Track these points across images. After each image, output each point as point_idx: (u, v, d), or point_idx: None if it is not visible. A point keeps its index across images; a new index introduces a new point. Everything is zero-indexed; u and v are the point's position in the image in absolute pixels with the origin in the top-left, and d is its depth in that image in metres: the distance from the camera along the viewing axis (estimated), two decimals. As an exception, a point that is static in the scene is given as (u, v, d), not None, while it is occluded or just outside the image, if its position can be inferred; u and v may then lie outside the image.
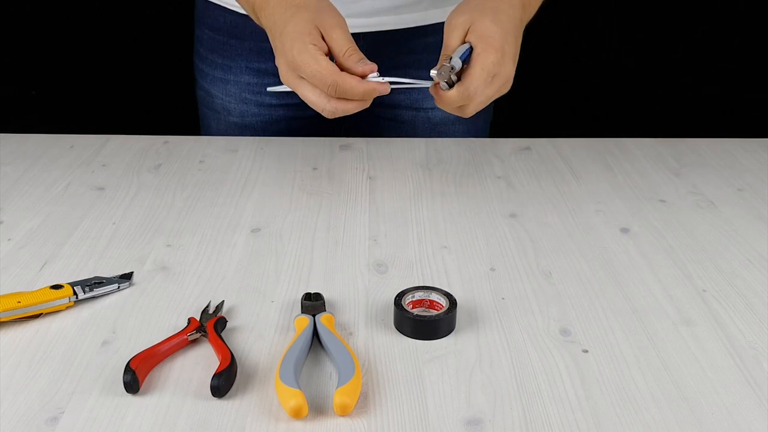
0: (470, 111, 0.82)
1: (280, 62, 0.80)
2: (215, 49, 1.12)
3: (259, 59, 1.09)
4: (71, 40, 1.88)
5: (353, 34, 1.07)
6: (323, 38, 0.79)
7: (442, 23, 1.09)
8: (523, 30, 0.86)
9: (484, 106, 0.83)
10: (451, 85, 0.81)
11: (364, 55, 1.09)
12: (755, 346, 0.68)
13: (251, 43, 1.09)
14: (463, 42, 0.81)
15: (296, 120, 1.14)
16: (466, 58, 0.81)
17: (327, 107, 0.78)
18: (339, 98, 0.78)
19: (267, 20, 0.84)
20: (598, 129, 1.22)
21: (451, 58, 0.80)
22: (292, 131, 1.14)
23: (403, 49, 1.10)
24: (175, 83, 1.72)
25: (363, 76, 0.79)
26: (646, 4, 1.88)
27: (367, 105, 0.80)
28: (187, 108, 1.40)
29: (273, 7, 0.82)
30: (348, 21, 1.05)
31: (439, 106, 0.83)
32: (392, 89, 1.10)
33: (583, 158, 1.06)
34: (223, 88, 1.13)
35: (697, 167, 1.04)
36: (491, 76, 0.79)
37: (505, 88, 0.82)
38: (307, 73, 0.77)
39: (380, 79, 0.79)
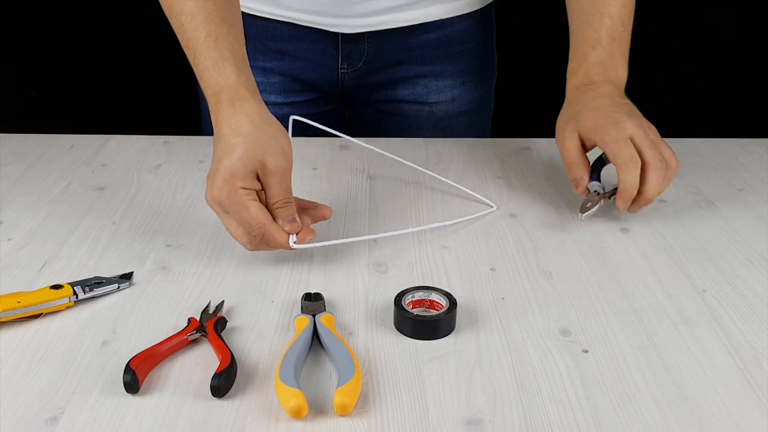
0: (667, 153, 0.85)
1: (209, 188, 0.75)
2: None
3: (263, 58, 1.09)
4: (71, 40, 1.88)
5: (356, 35, 1.08)
6: (259, 178, 0.75)
7: (444, 19, 1.10)
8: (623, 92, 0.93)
9: (664, 146, 0.85)
10: (601, 196, 0.86)
11: (368, 53, 1.09)
12: (755, 346, 0.68)
13: (255, 42, 1.09)
14: (583, 149, 0.87)
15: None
16: (599, 169, 0.88)
17: (249, 247, 0.76)
18: (261, 241, 0.76)
19: (215, 126, 0.78)
20: (598, 129, 1.22)
21: (588, 190, 0.87)
22: (296, 129, 1.14)
23: (406, 46, 1.10)
24: (175, 83, 1.72)
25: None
26: (646, 4, 1.88)
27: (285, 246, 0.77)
28: (187, 108, 1.40)
29: (218, 126, 0.77)
30: (351, 21, 1.06)
31: (632, 209, 0.86)
32: (399, 84, 1.11)
33: (583, 158, 1.05)
34: None
35: (697, 167, 1.04)
36: (627, 136, 0.83)
37: (638, 124, 0.85)
38: (236, 218, 0.74)
39: (301, 246, 0.76)
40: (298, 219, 0.76)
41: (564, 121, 0.90)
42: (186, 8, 0.80)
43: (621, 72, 0.94)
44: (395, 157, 0.97)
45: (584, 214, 0.85)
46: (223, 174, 0.74)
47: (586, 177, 0.87)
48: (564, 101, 0.93)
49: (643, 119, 0.87)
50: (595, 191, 0.87)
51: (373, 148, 0.98)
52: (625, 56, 0.95)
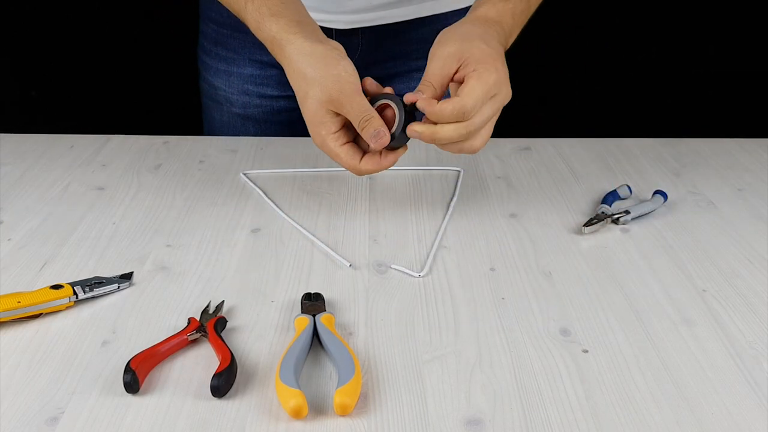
0: (477, 143, 0.80)
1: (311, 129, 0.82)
2: (219, 42, 1.13)
3: (261, 52, 1.09)
4: (71, 40, 1.88)
5: (349, 30, 1.08)
6: (337, 112, 0.80)
7: (440, 14, 1.10)
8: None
9: (486, 133, 0.80)
10: None
11: (363, 48, 1.09)
12: (755, 346, 0.68)
13: (252, 36, 1.09)
14: (454, 73, 0.79)
15: (298, 111, 1.14)
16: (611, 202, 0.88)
17: (357, 173, 0.83)
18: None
19: (289, 72, 0.83)
20: (598, 129, 1.22)
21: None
22: (293, 122, 1.14)
23: (401, 41, 1.11)
24: (175, 83, 1.72)
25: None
26: (646, 4, 1.88)
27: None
28: (187, 108, 1.40)
29: (290, 71, 0.82)
30: (344, 17, 1.06)
31: (430, 137, 0.79)
32: (394, 78, 1.11)
33: (583, 158, 1.06)
34: (227, 80, 1.14)
35: (697, 167, 1.04)
36: (490, 95, 0.78)
37: (500, 107, 0.80)
38: (332, 158, 0.82)
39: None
40: (383, 129, 0.79)
41: (448, 39, 0.82)
42: None
43: (516, 35, 0.89)
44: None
45: (587, 228, 0.85)
46: (307, 120, 0.81)
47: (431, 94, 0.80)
48: (462, 19, 0.87)
49: (509, 89, 0.81)
50: (603, 212, 0.88)
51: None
52: (524, 24, 0.90)
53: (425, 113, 0.78)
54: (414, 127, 0.79)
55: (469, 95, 0.76)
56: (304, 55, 0.80)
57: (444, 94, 0.81)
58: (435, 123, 0.78)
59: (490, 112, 0.79)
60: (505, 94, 0.80)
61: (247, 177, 0.97)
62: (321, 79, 0.79)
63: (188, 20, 1.22)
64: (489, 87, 0.77)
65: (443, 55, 0.80)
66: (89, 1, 1.85)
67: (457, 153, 0.83)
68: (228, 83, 1.14)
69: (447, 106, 0.77)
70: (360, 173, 0.82)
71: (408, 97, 0.79)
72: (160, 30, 1.83)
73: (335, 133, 0.80)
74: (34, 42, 1.90)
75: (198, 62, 1.19)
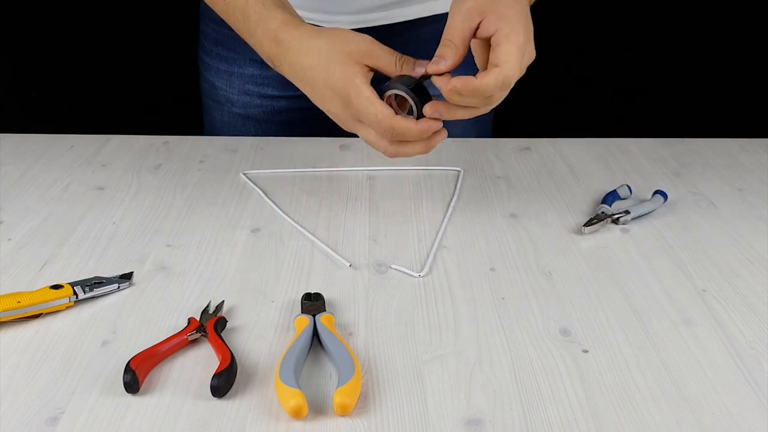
0: (498, 98, 0.76)
1: (334, 104, 0.80)
2: (220, 42, 1.13)
3: None
4: (71, 40, 1.88)
5: (355, 30, 1.08)
6: (367, 65, 0.79)
7: (442, 14, 1.09)
8: None
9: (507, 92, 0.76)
10: None
11: None
12: (755, 346, 0.68)
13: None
14: (477, 28, 0.73)
15: (298, 111, 1.14)
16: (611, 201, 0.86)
17: (389, 149, 0.79)
18: (399, 141, 0.78)
19: (294, 66, 0.82)
20: (598, 129, 1.22)
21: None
22: (293, 122, 1.14)
23: (402, 41, 1.10)
24: (176, 83, 1.72)
25: (428, 75, 0.77)
26: (646, 4, 1.88)
27: (429, 149, 0.79)
28: (187, 108, 1.40)
29: (300, 53, 0.81)
30: (350, 17, 1.06)
31: (466, 98, 0.74)
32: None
33: (583, 158, 1.06)
34: (227, 80, 1.14)
35: (697, 167, 1.04)
36: (522, 58, 0.73)
37: (523, 73, 0.75)
38: (366, 119, 0.78)
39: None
40: (422, 62, 0.78)
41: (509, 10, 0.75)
42: None
43: None
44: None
45: (587, 228, 0.85)
46: (341, 78, 0.77)
47: (451, 60, 0.76)
48: None
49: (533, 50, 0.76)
50: (603, 212, 0.88)
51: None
52: None
53: (461, 93, 0.73)
54: (455, 113, 0.76)
55: (508, 63, 0.71)
56: (317, 31, 0.81)
57: (466, 52, 0.76)
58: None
59: (518, 74, 0.74)
60: (531, 53, 0.75)
61: (247, 177, 0.97)
62: (342, 37, 0.79)
63: (189, 20, 1.22)
64: (521, 48, 0.72)
65: (464, 8, 0.74)
66: (89, 1, 1.85)
67: (474, 108, 0.77)
68: (228, 83, 1.14)
69: (490, 81, 0.71)
70: (393, 134, 0.76)
71: (431, 68, 0.75)
72: (161, 30, 1.83)
73: (368, 82, 0.77)
74: (34, 42, 1.90)
75: (198, 62, 1.19)
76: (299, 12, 1.07)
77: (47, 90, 1.96)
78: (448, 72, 0.75)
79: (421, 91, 0.78)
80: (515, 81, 0.73)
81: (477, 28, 0.74)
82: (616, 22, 1.90)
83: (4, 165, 1.01)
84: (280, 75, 1.12)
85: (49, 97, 1.96)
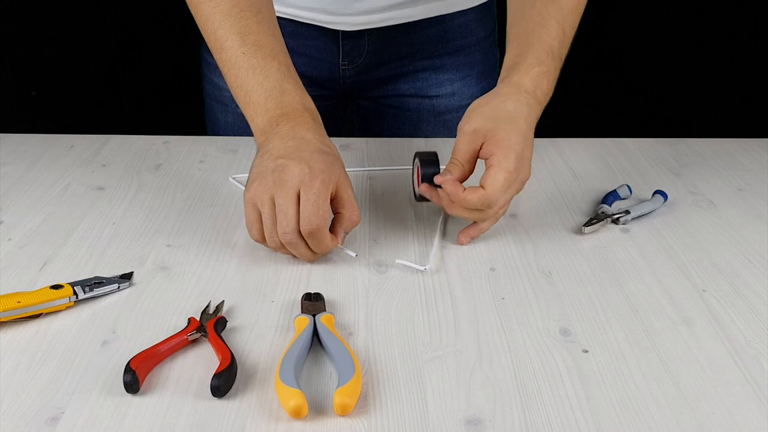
0: (488, 224, 0.83)
1: (293, 165, 0.75)
2: None
3: None
4: (71, 40, 1.88)
5: (356, 32, 1.08)
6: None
7: (446, 15, 1.10)
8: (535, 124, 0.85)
9: (502, 212, 0.83)
10: None
11: (369, 49, 1.09)
12: (755, 346, 0.68)
13: None
14: (480, 149, 0.80)
15: None
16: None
17: (292, 237, 0.76)
18: (297, 242, 0.76)
19: (293, 132, 0.80)
20: (598, 129, 1.22)
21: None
22: None
23: (407, 42, 1.11)
24: (176, 83, 1.72)
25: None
26: (646, 4, 1.88)
27: (311, 259, 0.79)
28: (187, 108, 1.40)
29: (306, 130, 0.80)
30: (351, 19, 1.06)
31: (452, 210, 0.81)
32: (400, 78, 1.10)
33: (583, 158, 1.06)
34: None
35: (697, 167, 1.04)
36: (511, 180, 0.79)
37: (520, 189, 0.82)
38: (309, 198, 0.74)
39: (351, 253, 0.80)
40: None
41: (477, 116, 0.82)
42: (249, 40, 0.83)
43: (551, 87, 0.88)
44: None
45: (587, 228, 0.85)
46: (325, 162, 0.76)
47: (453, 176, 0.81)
48: (496, 86, 0.86)
49: (530, 169, 0.82)
50: (603, 212, 0.88)
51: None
52: (557, 72, 0.89)
53: (450, 197, 0.80)
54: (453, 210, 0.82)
55: (492, 187, 0.78)
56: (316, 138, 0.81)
57: (472, 170, 0.82)
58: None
59: (508, 197, 0.81)
60: (524, 175, 0.81)
61: (236, 180, 0.97)
62: (337, 164, 0.79)
63: (191, 20, 1.22)
64: (510, 173, 0.78)
65: (469, 131, 0.81)
66: (90, 1, 1.85)
67: (466, 218, 0.83)
68: None
69: (473, 198, 0.79)
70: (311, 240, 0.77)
71: (438, 179, 0.81)
72: (161, 30, 1.83)
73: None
74: (34, 42, 1.90)
75: (202, 63, 1.19)
76: (303, 12, 1.07)
77: (47, 90, 1.96)
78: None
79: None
80: (500, 201, 0.80)
81: (480, 148, 0.81)
82: (616, 22, 1.90)
83: (4, 165, 1.01)
84: None
85: (49, 97, 1.96)
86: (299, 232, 0.75)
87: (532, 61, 0.85)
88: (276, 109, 0.81)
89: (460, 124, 0.83)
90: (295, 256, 0.79)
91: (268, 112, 0.81)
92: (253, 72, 0.82)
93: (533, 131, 0.83)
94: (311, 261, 0.79)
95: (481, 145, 0.80)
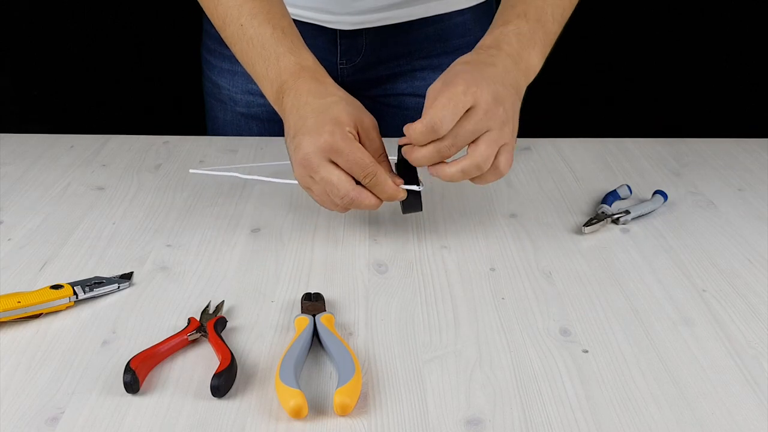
0: (498, 169, 0.77)
1: (306, 141, 0.75)
2: (223, 42, 1.13)
3: None
4: (71, 40, 1.88)
5: (354, 31, 1.08)
6: (358, 134, 0.77)
7: (443, 14, 1.10)
8: (523, 90, 0.81)
9: (504, 158, 0.77)
10: None
11: (367, 49, 1.09)
12: (755, 346, 0.68)
13: None
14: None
15: None
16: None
17: (350, 194, 0.75)
18: (362, 190, 0.76)
19: (295, 101, 0.79)
20: (598, 129, 1.22)
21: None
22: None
23: (405, 41, 1.11)
24: (176, 83, 1.72)
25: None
26: (646, 4, 1.88)
27: (377, 206, 0.78)
28: (187, 108, 1.40)
29: (306, 93, 0.79)
30: (349, 18, 1.06)
31: (414, 159, 0.76)
32: (398, 77, 1.09)
33: (583, 158, 1.06)
34: (230, 79, 1.14)
35: (697, 167, 1.04)
36: (461, 106, 0.73)
37: (501, 132, 0.76)
38: (349, 158, 0.74)
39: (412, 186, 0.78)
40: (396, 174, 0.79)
41: (441, 78, 0.78)
42: (245, 10, 0.84)
43: (534, 58, 0.82)
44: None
45: (587, 228, 0.85)
46: (332, 120, 0.75)
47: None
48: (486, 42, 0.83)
49: (507, 129, 0.77)
50: (603, 212, 0.88)
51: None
52: (544, 46, 0.84)
53: (408, 135, 0.76)
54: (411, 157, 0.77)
55: (434, 107, 0.73)
56: (338, 88, 0.81)
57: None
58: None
59: (471, 126, 0.74)
60: (503, 114, 0.75)
61: (197, 170, 0.95)
62: (355, 103, 0.79)
63: (191, 19, 1.22)
64: (456, 97, 0.73)
65: (431, 95, 0.76)
66: (90, 1, 1.85)
67: (485, 183, 0.79)
68: (232, 82, 1.14)
69: (417, 125, 0.74)
70: (371, 181, 0.76)
71: (402, 141, 0.77)
72: (161, 29, 1.83)
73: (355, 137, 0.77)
74: (34, 42, 1.90)
75: (201, 62, 1.19)
76: (301, 11, 1.07)
77: (47, 90, 1.96)
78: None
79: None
80: (447, 123, 0.73)
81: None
82: (616, 22, 1.90)
83: (4, 165, 1.01)
84: None
85: (49, 97, 1.96)
86: (352, 192, 0.75)
87: (499, 21, 0.83)
88: (277, 79, 0.81)
89: (429, 88, 0.77)
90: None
91: (272, 85, 0.82)
92: (252, 44, 0.83)
93: (517, 97, 0.78)
94: (378, 207, 0.78)
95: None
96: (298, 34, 0.85)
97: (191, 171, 0.93)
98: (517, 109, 0.79)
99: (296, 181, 0.80)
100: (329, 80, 0.82)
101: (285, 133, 0.81)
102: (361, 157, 0.75)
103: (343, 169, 0.76)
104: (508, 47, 0.81)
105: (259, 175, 0.88)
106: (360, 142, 0.77)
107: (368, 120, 0.79)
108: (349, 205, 0.77)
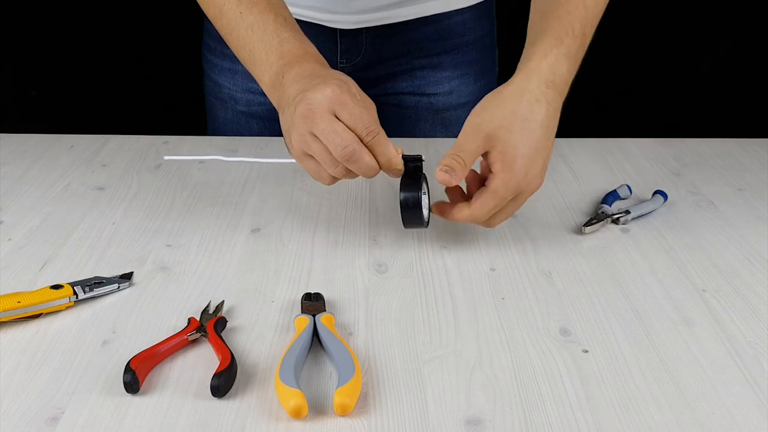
0: (495, 223, 0.80)
1: (311, 94, 0.74)
2: (224, 41, 1.13)
3: None
4: (71, 40, 1.88)
5: (354, 30, 1.08)
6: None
7: (442, 13, 1.10)
8: (560, 109, 0.80)
9: (508, 216, 0.80)
10: None
11: (367, 48, 1.09)
12: (755, 346, 0.68)
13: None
14: (486, 152, 0.77)
15: None
16: None
17: (353, 144, 0.73)
18: (363, 146, 0.74)
19: (299, 73, 0.78)
20: (598, 129, 1.22)
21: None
22: None
23: (404, 40, 1.11)
24: (176, 83, 1.72)
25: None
26: (646, 3, 1.88)
27: (375, 172, 0.76)
28: (187, 108, 1.40)
29: (311, 69, 0.78)
30: (350, 17, 1.07)
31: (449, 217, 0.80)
32: (398, 76, 1.08)
33: (583, 158, 1.06)
34: (231, 78, 1.14)
35: (697, 167, 1.04)
36: (506, 200, 0.77)
37: (528, 197, 0.79)
38: (353, 113, 0.73)
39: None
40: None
41: (497, 114, 0.77)
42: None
43: (569, 77, 0.81)
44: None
45: (587, 228, 0.85)
46: (337, 82, 0.74)
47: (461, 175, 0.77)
48: (513, 75, 0.80)
49: (541, 177, 0.79)
50: (603, 212, 0.88)
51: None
52: (578, 60, 0.83)
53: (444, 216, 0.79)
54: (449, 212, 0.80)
55: (480, 209, 0.77)
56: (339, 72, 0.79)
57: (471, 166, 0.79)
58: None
59: (511, 210, 0.80)
60: (533, 186, 0.78)
61: (171, 156, 0.94)
62: (355, 85, 0.78)
63: (192, 19, 1.22)
64: (503, 198, 0.76)
65: (481, 134, 0.76)
66: (90, 1, 1.85)
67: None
68: (232, 81, 1.14)
69: (461, 215, 0.78)
70: (372, 139, 0.75)
71: (440, 176, 0.75)
72: (162, 29, 1.83)
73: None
74: (34, 42, 1.90)
75: (202, 60, 1.19)
76: (302, 11, 1.07)
77: (47, 90, 1.96)
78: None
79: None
80: (493, 221, 0.79)
81: (487, 153, 0.77)
82: (616, 22, 1.90)
83: (4, 165, 1.01)
84: None
85: (49, 97, 1.96)
86: (354, 143, 0.73)
87: (551, 42, 0.79)
88: (278, 61, 0.80)
89: (469, 117, 0.78)
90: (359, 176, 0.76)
91: (272, 67, 0.81)
92: (252, 29, 0.82)
93: (551, 132, 0.79)
94: (373, 176, 0.75)
95: (488, 151, 0.77)
96: (298, 26, 0.85)
97: (165, 158, 0.90)
98: (551, 146, 0.80)
99: (286, 160, 0.78)
100: (329, 68, 0.81)
101: (279, 110, 0.79)
102: (364, 113, 0.74)
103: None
104: (560, 77, 0.79)
105: (245, 158, 0.86)
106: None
107: (370, 100, 0.78)
108: (349, 158, 0.73)
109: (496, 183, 0.76)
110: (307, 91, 0.75)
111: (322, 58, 0.82)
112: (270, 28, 0.82)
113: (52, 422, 0.58)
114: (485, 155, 0.78)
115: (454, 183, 0.76)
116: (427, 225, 0.80)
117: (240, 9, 0.83)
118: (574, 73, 0.82)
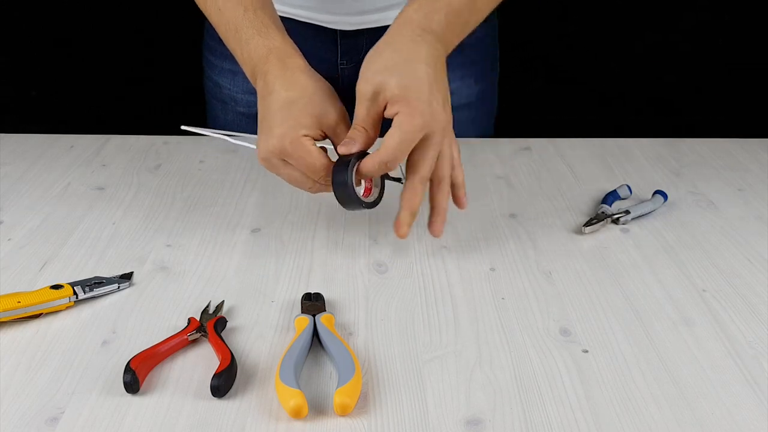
0: (441, 198, 0.77)
1: (261, 141, 0.76)
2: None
3: None
4: (71, 40, 1.88)
5: (354, 31, 1.08)
6: (321, 129, 0.76)
7: None
8: (445, 60, 0.78)
9: (445, 177, 0.77)
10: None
11: (367, 49, 1.09)
12: (755, 346, 0.68)
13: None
14: (383, 110, 0.74)
15: None
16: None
17: (312, 188, 0.77)
18: (322, 186, 0.77)
19: (264, 89, 0.78)
20: (598, 129, 1.22)
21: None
22: None
23: None
24: (176, 83, 1.72)
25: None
26: (646, 3, 1.88)
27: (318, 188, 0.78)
28: (187, 108, 1.40)
29: (273, 80, 0.77)
30: (349, 19, 1.06)
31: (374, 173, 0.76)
32: None
33: (583, 158, 1.06)
34: (231, 79, 1.14)
35: (697, 167, 1.04)
36: (416, 139, 0.73)
37: (444, 137, 0.76)
38: (299, 163, 0.75)
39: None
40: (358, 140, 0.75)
41: (380, 68, 0.75)
42: None
43: (449, 29, 0.79)
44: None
45: (587, 228, 0.85)
46: (283, 121, 0.75)
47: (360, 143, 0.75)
48: (389, 32, 0.78)
49: (445, 112, 0.76)
50: (603, 212, 0.88)
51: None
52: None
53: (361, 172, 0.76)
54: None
55: (386, 148, 0.73)
56: (305, 69, 0.79)
57: (378, 132, 0.77)
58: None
59: (432, 151, 0.74)
60: (440, 122, 0.74)
61: (188, 128, 0.92)
62: (322, 92, 0.77)
63: (192, 18, 1.22)
64: (408, 132, 0.72)
65: (368, 93, 0.74)
66: (90, 1, 1.85)
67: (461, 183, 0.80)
68: (233, 82, 1.14)
69: (369, 165, 0.74)
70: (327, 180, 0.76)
71: (341, 149, 0.75)
72: (162, 29, 1.83)
73: (309, 137, 0.75)
74: (34, 42, 1.90)
75: (203, 61, 1.19)
76: (303, 12, 1.07)
77: (47, 90, 1.96)
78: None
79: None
80: (421, 167, 0.75)
81: (384, 109, 0.75)
82: (617, 21, 1.90)
83: (4, 165, 1.01)
84: None
85: (49, 97, 1.96)
86: (313, 187, 0.77)
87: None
88: (249, 63, 0.81)
89: (357, 84, 0.76)
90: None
91: (247, 69, 0.82)
92: (227, 28, 0.83)
93: (440, 71, 0.76)
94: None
95: (385, 106, 0.74)
96: (273, 12, 0.83)
97: (183, 128, 0.89)
98: (446, 84, 0.77)
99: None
100: (297, 62, 0.79)
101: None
102: (311, 163, 0.74)
103: None
104: (438, 28, 0.77)
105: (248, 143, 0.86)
106: (328, 137, 0.77)
107: (334, 113, 0.77)
108: (315, 193, 0.78)
109: (399, 118, 0.72)
110: (260, 132, 0.77)
111: (289, 48, 0.80)
112: (240, 25, 0.82)
113: (52, 422, 0.58)
114: (386, 114, 0.75)
115: (354, 151, 0.74)
116: (372, 206, 0.79)
117: (218, 4, 0.84)
118: (459, 32, 0.80)
